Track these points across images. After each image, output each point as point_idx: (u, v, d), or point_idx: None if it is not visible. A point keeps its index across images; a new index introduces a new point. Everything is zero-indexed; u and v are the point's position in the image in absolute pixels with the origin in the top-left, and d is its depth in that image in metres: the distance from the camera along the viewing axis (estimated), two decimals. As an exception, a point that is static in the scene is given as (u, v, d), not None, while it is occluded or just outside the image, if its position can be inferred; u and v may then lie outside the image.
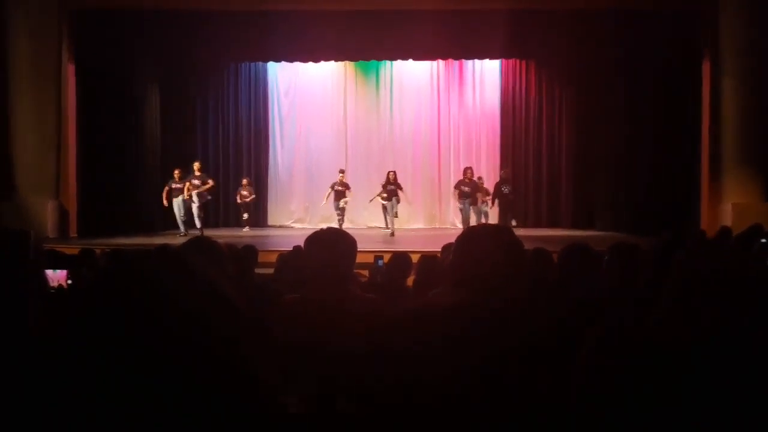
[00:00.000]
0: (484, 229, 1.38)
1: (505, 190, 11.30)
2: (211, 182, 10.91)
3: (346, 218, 11.57)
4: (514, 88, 13.24)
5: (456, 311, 1.01)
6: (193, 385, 0.81)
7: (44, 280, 1.44)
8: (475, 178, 11.20)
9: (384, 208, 11.02)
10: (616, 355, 0.99)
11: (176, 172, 10.88)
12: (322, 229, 2.05)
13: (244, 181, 12.24)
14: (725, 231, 5.12)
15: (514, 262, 1.17)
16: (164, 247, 0.94)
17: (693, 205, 10.04)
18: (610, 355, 1.00)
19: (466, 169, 11.22)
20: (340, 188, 11.33)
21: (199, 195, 10.69)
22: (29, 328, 1.10)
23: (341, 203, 11.28)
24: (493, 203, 11.44)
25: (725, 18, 9.54)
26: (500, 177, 11.88)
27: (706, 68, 9.97)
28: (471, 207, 10.89)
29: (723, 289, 0.91)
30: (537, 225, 12.63)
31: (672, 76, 10.32)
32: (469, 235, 1.32)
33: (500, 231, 1.27)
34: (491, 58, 12.35)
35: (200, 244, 1.90)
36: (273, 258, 4.72)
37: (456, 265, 1.21)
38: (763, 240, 3.37)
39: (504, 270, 1.13)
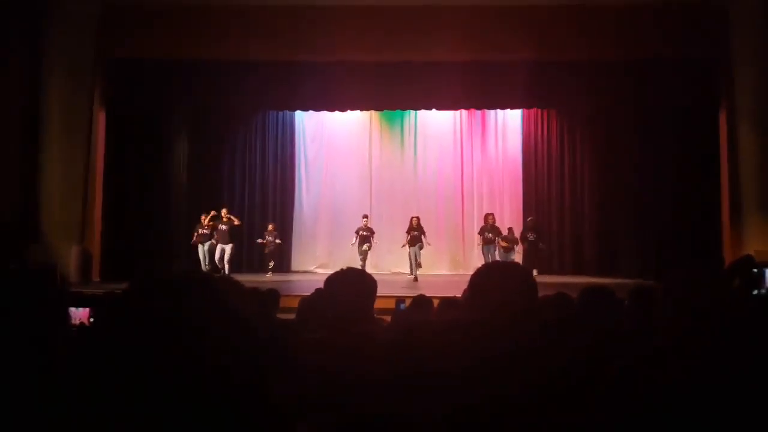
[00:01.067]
0: (498, 264, 1.41)
1: (531, 237, 11.32)
2: (237, 221, 11.13)
3: (369, 263, 11.61)
4: (535, 136, 13.36)
5: (470, 329, 1.04)
6: (216, 413, 0.82)
7: (68, 316, 1.48)
8: (497, 225, 11.24)
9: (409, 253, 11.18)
10: (635, 393, 1.00)
11: (203, 217, 11.08)
12: (342, 269, 2.09)
13: (270, 227, 12.39)
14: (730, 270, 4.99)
15: (526, 296, 1.19)
16: (192, 273, 0.96)
17: (715, 252, 9.91)
18: (628, 392, 1.00)
19: (487, 216, 11.32)
20: (365, 233, 11.49)
21: (223, 235, 10.87)
22: (54, 363, 1.12)
23: (365, 247, 11.39)
24: (519, 245, 11.44)
25: (741, 66, 9.63)
26: (525, 225, 11.90)
27: (723, 116, 10.04)
28: (494, 252, 10.90)
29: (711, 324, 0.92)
30: (560, 272, 12.48)
31: (691, 124, 10.40)
32: (484, 270, 1.35)
33: (514, 267, 1.30)
34: (513, 108, 12.53)
35: (226, 279, 1.95)
36: (295, 303, 4.74)
37: (470, 297, 1.24)
38: (755, 270, 3.29)
39: (516, 302, 1.16)
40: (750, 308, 0.98)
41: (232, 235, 11.45)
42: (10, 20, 9.56)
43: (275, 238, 12.24)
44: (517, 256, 11.62)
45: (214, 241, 10.85)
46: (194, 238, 11.06)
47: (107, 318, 0.88)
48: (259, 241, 12.22)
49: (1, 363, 1.06)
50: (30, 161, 9.92)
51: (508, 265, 1.37)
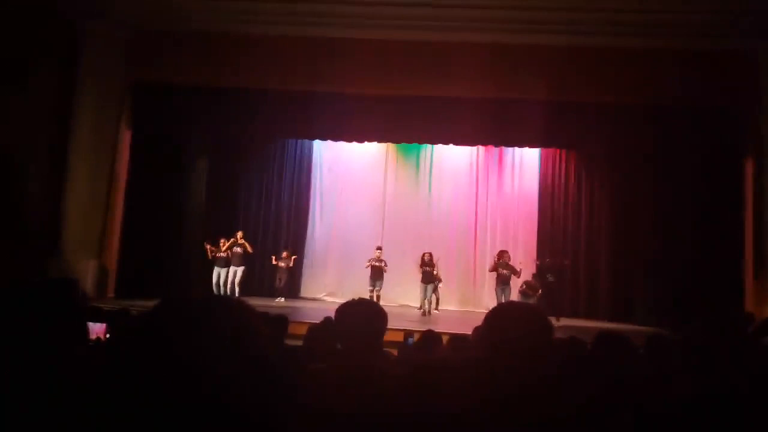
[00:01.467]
0: (516, 305, 1.39)
1: (550, 278, 11.07)
2: (250, 249, 11.26)
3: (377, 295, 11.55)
4: (552, 175, 13.32)
5: (482, 368, 1.01)
6: None
7: (86, 329, 1.49)
8: (512, 263, 11.03)
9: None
10: None
11: (222, 240, 11.19)
12: (353, 300, 2.08)
13: (284, 254, 12.45)
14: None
15: (542, 339, 1.17)
16: (214, 297, 0.96)
17: (738, 305, 9.66)
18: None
19: (503, 252, 11.11)
20: (377, 264, 11.44)
21: (240, 257, 10.99)
22: (71, 375, 1.12)
23: (376, 291, 11.23)
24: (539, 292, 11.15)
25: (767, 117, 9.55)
26: (543, 264, 11.62)
27: (749, 165, 9.89)
28: (509, 293, 10.69)
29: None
30: (574, 316, 12.29)
31: (715, 172, 10.20)
32: (500, 309, 1.33)
33: (532, 309, 1.28)
34: (530, 146, 12.52)
35: (243, 304, 1.93)
36: (303, 329, 4.72)
37: (484, 335, 1.22)
38: None
39: (531, 344, 1.13)
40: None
41: (245, 259, 11.54)
42: (47, 42, 9.90)
43: (287, 265, 12.29)
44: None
45: (227, 255, 11.05)
46: (212, 258, 11.22)
47: (127, 337, 0.88)
48: (275, 262, 12.28)
49: (20, 372, 1.07)
50: (58, 177, 10.24)
51: (527, 307, 1.34)
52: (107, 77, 10.43)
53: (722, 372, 0.95)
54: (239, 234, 11.36)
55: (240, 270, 11.38)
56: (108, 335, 3.10)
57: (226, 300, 0.93)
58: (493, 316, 1.28)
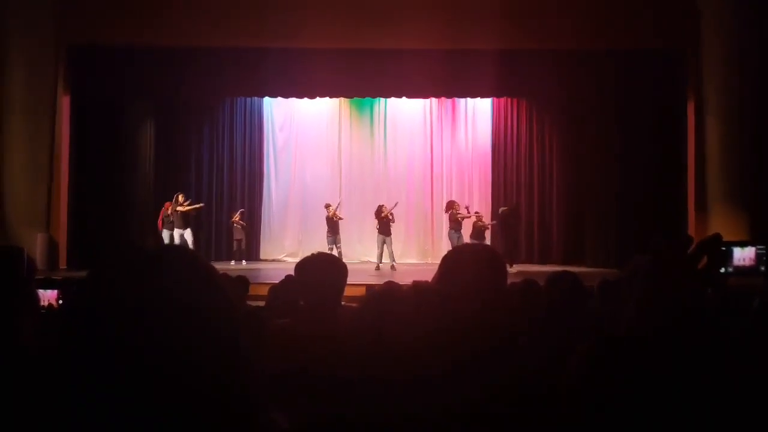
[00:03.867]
0: (468, 246, 1.42)
1: (511, 221, 11.52)
2: (199, 204, 11.13)
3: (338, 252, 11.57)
4: (505, 125, 13.47)
5: (440, 298, 1.02)
6: (188, 394, 0.79)
7: (36, 296, 1.45)
8: (464, 211, 11.34)
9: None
10: (606, 366, 0.98)
11: (167, 204, 10.95)
12: (314, 254, 2.08)
13: (238, 215, 12.28)
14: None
15: (495, 278, 1.20)
16: (177, 247, 0.91)
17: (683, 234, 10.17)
18: (600, 366, 0.99)
19: (452, 203, 11.47)
20: (333, 220, 11.37)
21: (184, 217, 10.84)
22: (22, 343, 1.10)
23: (336, 248, 11.15)
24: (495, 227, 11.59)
25: (708, 58, 9.85)
26: (503, 213, 11.87)
27: (691, 108, 10.26)
28: (461, 238, 10.99)
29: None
30: (528, 261, 12.66)
31: (659, 114, 10.62)
32: (455, 250, 1.36)
33: (484, 248, 1.31)
34: (482, 96, 12.59)
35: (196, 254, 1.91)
36: (264, 291, 4.71)
37: (439, 277, 1.24)
38: (723, 248, 3.35)
39: (485, 283, 1.17)
40: (718, 288, 0.99)
41: (188, 221, 11.29)
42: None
43: (242, 225, 12.18)
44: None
45: (171, 217, 10.86)
46: (160, 224, 10.94)
47: (78, 295, 0.84)
48: (233, 221, 12.14)
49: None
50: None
51: (478, 247, 1.38)
52: (38, 40, 9.83)
53: (669, 297, 0.99)
54: (180, 196, 11.16)
55: (187, 232, 11.17)
56: (60, 301, 3.04)
57: (182, 250, 0.89)
58: (447, 256, 1.31)
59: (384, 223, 11.20)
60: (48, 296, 3.05)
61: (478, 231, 11.28)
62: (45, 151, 10.01)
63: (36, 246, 9.64)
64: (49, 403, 0.78)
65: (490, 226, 11.76)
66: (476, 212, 11.82)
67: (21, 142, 9.82)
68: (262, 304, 4.46)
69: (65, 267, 10.10)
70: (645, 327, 0.95)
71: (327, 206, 11.63)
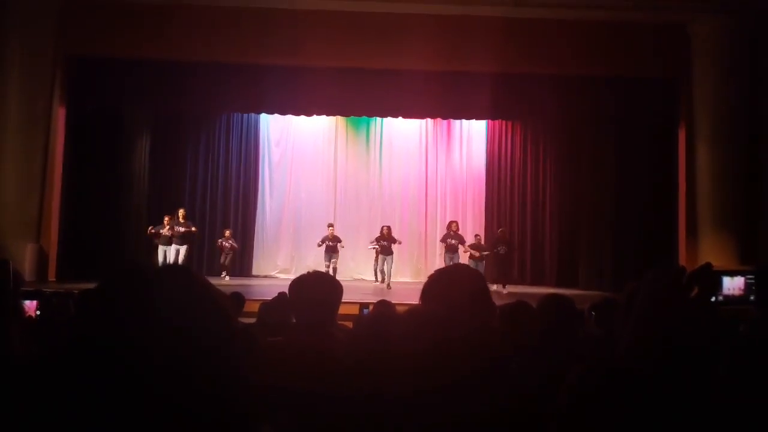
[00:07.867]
0: (447, 268, 1.43)
1: (501, 250, 11.25)
2: (193, 229, 10.98)
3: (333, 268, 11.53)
4: (500, 147, 13.55)
5: (418, 317, 1.02)
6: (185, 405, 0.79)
7: (22, 308, 1.44)
8: (461, 233, 11.28)
9: (376, 260, 11.17)
10: (597, 393, 0.98)
11: (166, 219, 10.90)
12: (309, 272, 2.07)
13: (227, 233, 12.20)
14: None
15: (479, 299, 1.20)
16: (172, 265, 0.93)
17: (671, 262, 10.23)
18: (590, 392, 0.99)
19: (451, 223, 11.41)
20: (331, 243, 11.35)
21: (182, 237, 10.73)
22: (10, 353, 1.09)
23: (332, 263, 11.17)
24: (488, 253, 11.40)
25: (699, 86, 10.00)
26: (497, 237, 11.81)
27: (682, 134, 10.41)
28: (458, 260, 10.92)
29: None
30: (521, 282, 12.66)
31: (653, 140, 10.77)
32: (441, 270, 1.36)
33: (464, 269, 1.31)
34: (479, 118, 12.68)
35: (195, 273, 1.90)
36: (256, 307, 4.68)
37: (425, 291, 1.24)
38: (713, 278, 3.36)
39: (468, 304, 1.17)
40: (709, 318, 0.99)
41: (187, 238, 11.21)
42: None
43: (231, 243, 12.05)
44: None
45: (168, 234, 10.74)
46: (156, 238, 10.86)
47: (90, 304, 0.84)
48: (219, 243, 12.04)
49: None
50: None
51: (458, 268, 1.39)
52: (36, 50, 9.78)
53: (663, 324, 0.99)
54: (181, 212, 11.07)
55: (183, 249, 11.08)
56: (38, 312, 3.03)
57: (180, 269, 0.90)
58: (427, 282, 1.31)
59: (383, 246, 11.26)
60: (27, 307, 3.05)
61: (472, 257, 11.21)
62: (38, 161, 9.92)
63: (25, 257, 9.52)
64: (36, 411, 0.78)
65: (484, 260, 11.48)
66: (476, 235, 11.84)
67: (13, 153, 9.73)
68: (252, 320, 4.42)
69: (54, 279, 9.98)
70: (641, 357, 0.95)
71: (330, 226, 11.64)
